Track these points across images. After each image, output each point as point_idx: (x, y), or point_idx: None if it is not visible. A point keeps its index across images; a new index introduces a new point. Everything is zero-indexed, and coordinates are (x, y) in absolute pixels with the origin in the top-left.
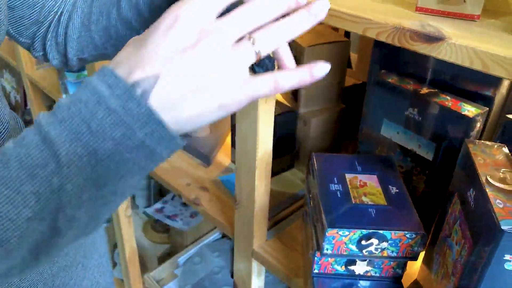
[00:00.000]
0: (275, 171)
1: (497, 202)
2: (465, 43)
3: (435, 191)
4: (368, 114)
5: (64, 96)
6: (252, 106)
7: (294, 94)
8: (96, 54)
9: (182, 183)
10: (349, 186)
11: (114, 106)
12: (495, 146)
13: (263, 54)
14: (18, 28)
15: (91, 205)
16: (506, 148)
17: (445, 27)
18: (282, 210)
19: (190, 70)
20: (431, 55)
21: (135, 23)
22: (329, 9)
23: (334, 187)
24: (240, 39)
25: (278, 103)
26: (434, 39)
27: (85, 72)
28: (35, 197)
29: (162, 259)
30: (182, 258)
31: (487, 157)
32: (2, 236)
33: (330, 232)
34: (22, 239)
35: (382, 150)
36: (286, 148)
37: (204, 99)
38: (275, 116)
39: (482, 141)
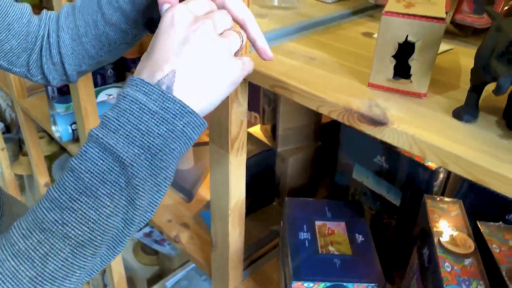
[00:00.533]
0: (255, 207)
1: (446, 266)
2: (406, 129)
3: (402, 236)
4: (342, 158)
5: (53, 127)
6: (223, 159)
7: (273, 132)
8: (93, 63)
9: (163, 219)
10: (318, 234)
11: (155, 109)
12: (452, 202)
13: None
14: (10, 59)
15: (151, 193)
16: (462, 204)
17: (392, 107)
18: (259, 248)
19: (199, 57)
20: (377, 137)
21: (124, 25)
22: (291, 85)
23: (303, 235)
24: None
25: (257, 141)
26: (378, 123)
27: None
28: (109, 198)
29: (151, 281)
30: (169, 282)
31: (442, 213)
32: (90, 236)
33: (296, 284)
34: (104, 236)
35: (355, 190)
36: (265, 184)
37: (218, 78)
38: (255, 154)
39: (440, 197)
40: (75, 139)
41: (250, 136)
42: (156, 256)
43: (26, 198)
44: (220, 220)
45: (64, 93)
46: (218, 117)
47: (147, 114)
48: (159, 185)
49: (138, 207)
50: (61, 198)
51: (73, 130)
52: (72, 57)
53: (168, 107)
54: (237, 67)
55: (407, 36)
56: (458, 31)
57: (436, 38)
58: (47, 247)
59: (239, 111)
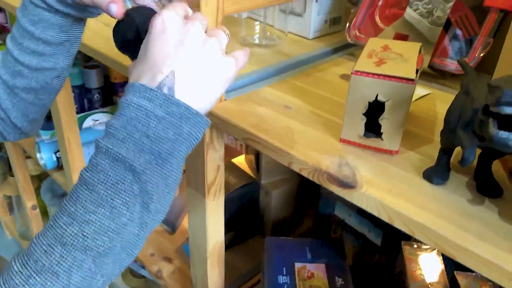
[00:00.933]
0: (240, 240)
1: None
2: (374, 193)
3: (383, 276)
4: (323, 194)
5: (38, 155)
6: (200, 203)
7: (257, 163)
8: (40, 109)
9: (146, 252)
10: (297, 278)
11: (161, 114)
12: (429, 249)
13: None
14: None
15: (163, 195)
16: (439, 251)
17: (363, 166)
18: (241, 284)
19: (195, 56)
20: (346, 199)
21: (44, 61)
22: (263, 140)
23: (282, 279)
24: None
25: (241, 174)
26: (347, 185)
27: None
28: (125, 206)
29: None
30: None
31: (419, 261)
32: (110, 245)
33: None
34: (122, 243)
35: (337, 228)
36: (250, 217)
37: (215, 75)
38: (238, 188)
39: (418, 243)
40: (60, 166)
41: (234, 168)
42: (144, 279)
43: (15, 218)
44: (199, 261)
45: (50, 118)
46: (195, 163)
47: (154, 120)
48: (170, 187)
49: (152, 210)
50: (78, 212)
51: (57, 157)
52: (15, 109)
53: (173, 111)
54: (231, 63)
55: (377, 95)
56: (436, 73)
57: (406, 98)
58: (70, 260)
59: (215, 157)
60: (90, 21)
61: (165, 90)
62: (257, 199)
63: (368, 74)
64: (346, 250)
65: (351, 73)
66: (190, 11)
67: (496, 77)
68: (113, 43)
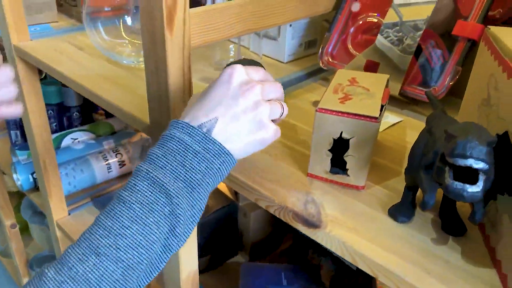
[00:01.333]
0: (219, 261)
1: None
2: (338, 234)
3: None
4: None
5: (14, 176)
6: None
7: None
8: None
9: None
10: None
11: (198, 149)
12: None
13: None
14: None
15: (188, 222)
16: None
17: (329, 203)
18: None
19: (241, 114)
20: (312, 238)
21: None
22: (230, 176)
23: None
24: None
25: (220, 195)
26: (311, 225)
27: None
28: (156, 225)
29: None
30: None
31: None
32: (138, 260)
33: None
34: (148, 260)
35: (314, 251)
36: (228, 238)
37: (251, 135)
38: (217, 210)
39: None
40: (37, 187)
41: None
42: None
43: None
44: None
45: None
46: None
47: (191, 153)
48: (194, 216)
49: (177, 234)
50: (114, 226)
51: (34, 178)
52: None
53: (209, 148)
54: (271, 129)
55: (342, 132)
56: (408, 100)
57: (370, 136)
58: (102, 269)
59: None
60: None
61: (204, 131)
62: (235, 221)
63: (332, 111)
64: (322, 275)
65: (315, 110)
66: (270, 78)
67: (463, 111)
68: (83, 68)
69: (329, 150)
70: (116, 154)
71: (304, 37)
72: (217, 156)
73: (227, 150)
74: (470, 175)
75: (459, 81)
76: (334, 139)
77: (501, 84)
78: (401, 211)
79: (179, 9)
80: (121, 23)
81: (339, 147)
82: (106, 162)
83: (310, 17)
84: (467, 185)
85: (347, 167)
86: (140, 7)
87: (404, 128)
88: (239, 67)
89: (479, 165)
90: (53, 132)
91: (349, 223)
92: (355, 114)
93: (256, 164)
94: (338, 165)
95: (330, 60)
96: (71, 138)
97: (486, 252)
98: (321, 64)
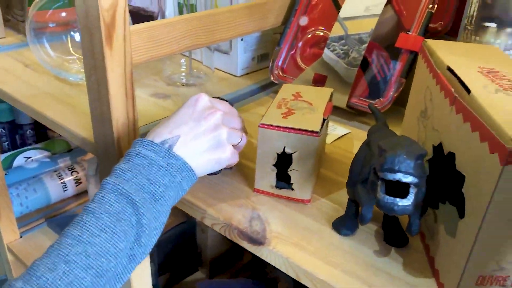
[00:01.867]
0: (179, 278)
1: None
2: (281, 250)
3: None
4: None
5: None
6: None
7: None
8: None
9: None
10: None
11: (162, 163)
12: None
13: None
14: None
15: (152, 232)
16: None
17: (274, 218)
18: None
19: (202, 134)
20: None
21: None
22: None
23: None
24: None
25: (178, 211)
26: (256, 242)
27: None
28: (124, 234)
29: None
30: None
31: None
32: (107, 267)
33: None
34: (115, 270)
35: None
36: (187, 255)
37: (209, 154)
38: (175, 226)
39: None
40: None
41: None
42: None
43: None
44: None
45: None
46: None
47: (155, 168)
48: (157, 229)
49: (142, 244)
50: (84, 235)
51: None
52: None
53: (172, 163)
54: (229, 150)
55: (284, 147)
56: (355, 112)
57: (312, 150)
58: (72, 276)
59: None
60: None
61: (166, 146)
62: (194, 237)
63: (274, 127)
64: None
65: (258, 125)
66: (229, 110)
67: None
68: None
69: (273, 165)
70: (71, 172)
71: (256, 51)
72: (179, 170)
73: (189, 166)
74: (402, 189)
75: (403, 92)
76: (278, 154)
77: (434, 96)
78: (345, 224)
79: (118, 26)
80: (68, 39)
81: (283, 161)
82: (61, 181)
83: (261, 31)
84: (398, 199)
85: (291, 181)
86: (79, 25)
87: (352, 140)
88: (204, 94)
89: (408, 179)
90: (5, 151)
91: (294, 238)
92: (297, 129)
93: (204, 181)
94: (284, 179)
95: (281, 74)
96: (24, 157)
97: (426, 262)
98: (271, 78)
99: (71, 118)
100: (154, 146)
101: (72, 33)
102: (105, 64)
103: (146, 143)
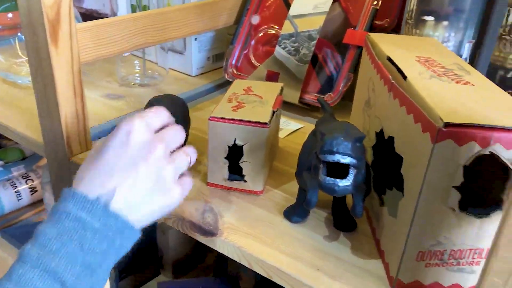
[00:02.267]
0: (143, 281)
1: None
2: (234, 240)
3: None
4: None
5: None
6: None
7: None
8: None
9: None
10: None
11: (98, 226)
12: None
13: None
14: None
15: None
16: None
17: (227, 210)
18: None
19: (142, 181)
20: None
21: None
22: None
23: None
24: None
25: None
26: (208, 233)
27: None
28: None
29: None
30: None
31: None
32: None
33: None
34: None
35: (234, 263)
36: (149, 257)
37: (154, 202)
38: None
39: None
40: None
41: None
42: None
43: None
44: None
45: None
46: None
47: (90, 232)
48: None
49: None
50: None
51: None
52: None
53: (110, 223)
54: (176, 194)
55: (235, 139)
56: (308, 107)
57: (262, 141)
58: None
59: None
60: None
61: (102, 204)
62: (155, 241)
63: (224, 119)
64: (242, 285)
65: (208, 119)
66: (167, 120)
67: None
68: None
69: (225, 158)
70: (26, 180)
71: (211, 51)
72: (119, 232)
73: (130, 224)
74: (343, 171)
75: (352, 86)
76: (229, 147)
77: (376, 86)
78: (295, 212)
79: (63, 23)
80: (16, 42)
81: (235, 154)
82: (15, 190)
83: (215, 30)
84: (338, 180)
85: (243, 173)
86: (22, 24)
87: (305, 134)
88: (137, 122)
89: (346, 159)
90: None
91: (246, 228)
92: (246, 121)
93: None
94: (236, 171)
95: (235, 72)
96: None
97: (374, 245)
98: (226, 77)
99: (20, 120)
100: (88, 205)
101: (19, 34)
102: (51, 62)
103: (78, 199)
